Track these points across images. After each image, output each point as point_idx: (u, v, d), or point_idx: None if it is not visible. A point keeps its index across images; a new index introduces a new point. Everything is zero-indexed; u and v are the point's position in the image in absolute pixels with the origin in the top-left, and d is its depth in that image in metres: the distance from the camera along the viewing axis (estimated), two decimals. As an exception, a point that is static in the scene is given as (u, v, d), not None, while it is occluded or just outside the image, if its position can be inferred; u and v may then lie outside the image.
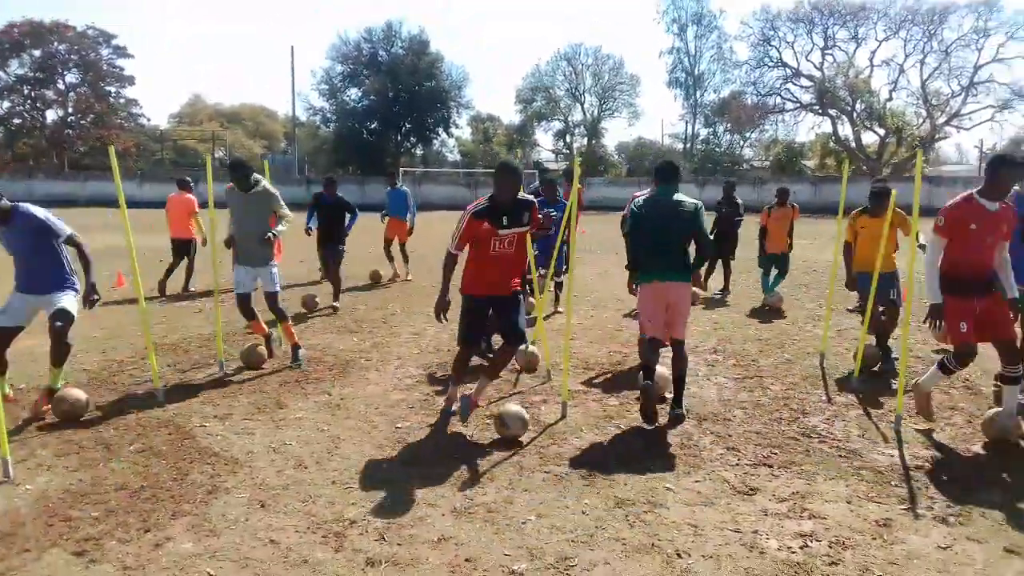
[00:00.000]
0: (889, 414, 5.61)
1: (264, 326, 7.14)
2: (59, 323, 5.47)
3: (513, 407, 5.20)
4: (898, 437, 5.18)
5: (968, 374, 6.81)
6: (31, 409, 5.52)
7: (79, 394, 5.52)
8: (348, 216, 10.24)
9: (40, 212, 5.56)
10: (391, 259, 12.81)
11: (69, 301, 5.59)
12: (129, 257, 5.70)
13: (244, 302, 6.89)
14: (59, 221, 5.62)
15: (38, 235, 5.49)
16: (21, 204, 5.55)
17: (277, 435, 5.15)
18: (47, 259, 5.56)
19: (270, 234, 6.67)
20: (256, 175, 6.86)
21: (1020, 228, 6.02)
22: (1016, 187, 6.40)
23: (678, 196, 5.53)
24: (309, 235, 10.34)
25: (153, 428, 5.24)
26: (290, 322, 7.13)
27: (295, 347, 7.01)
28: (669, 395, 5.69)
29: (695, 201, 5.52)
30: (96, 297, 5.61)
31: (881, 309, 6.82)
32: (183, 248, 11.23)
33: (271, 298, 6.91)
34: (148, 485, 4.28)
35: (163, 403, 5.76)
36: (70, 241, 5.64)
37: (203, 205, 8.54)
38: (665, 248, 5.45)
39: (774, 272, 10.78)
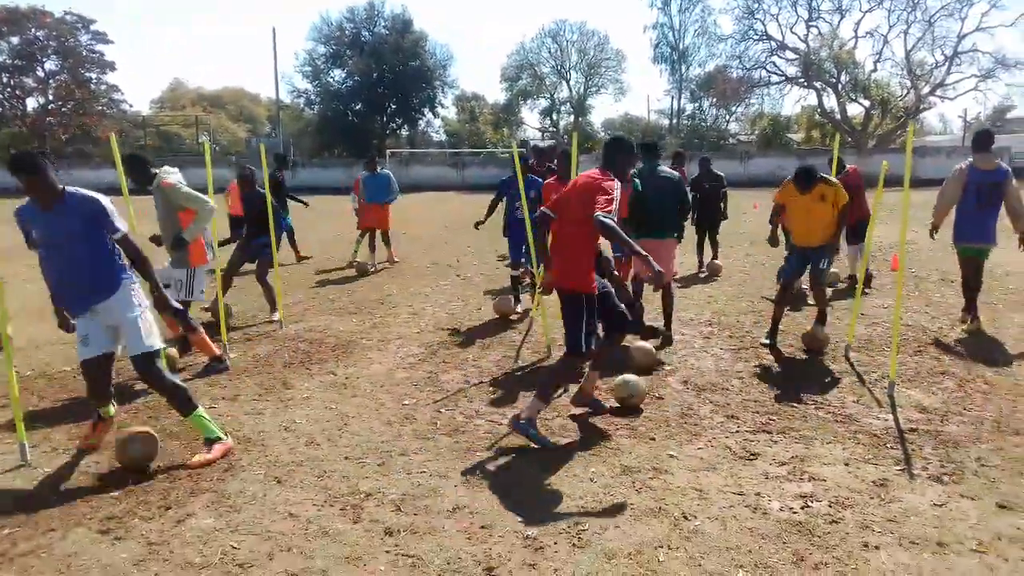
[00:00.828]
0: (883, 380, 5.76)
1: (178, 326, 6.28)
2: (143, 367, 4.50)
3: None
4: (892, 402, 5.33)
5: (958, 340, 6.99)
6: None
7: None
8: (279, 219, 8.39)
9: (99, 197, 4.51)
10: (373, 249, 12.14)
11: (139, 325, 4.45)
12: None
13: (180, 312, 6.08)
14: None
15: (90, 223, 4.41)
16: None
17: (286, 414, 5.25)
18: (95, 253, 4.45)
19: (181, 237, 6.13)
20: (155, 168, 6.22)
21: (975, 194, 7.08)
22: (970, 158, 7.21)
23: (662, 169, 7.04)
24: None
25: (163, 410, 5.31)
26: (201, 333, 6.24)
27: (212, 359, 6.29)
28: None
29: (675, 173, 7.22)
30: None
31: (806, 287, 6.87)
32: (238, 223, 11.88)
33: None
34: (164, 465, 4.37)
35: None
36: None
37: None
38: (656, 212, 6.80)
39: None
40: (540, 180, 7.94)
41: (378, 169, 12.28)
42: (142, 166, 6.19)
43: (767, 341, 6.89)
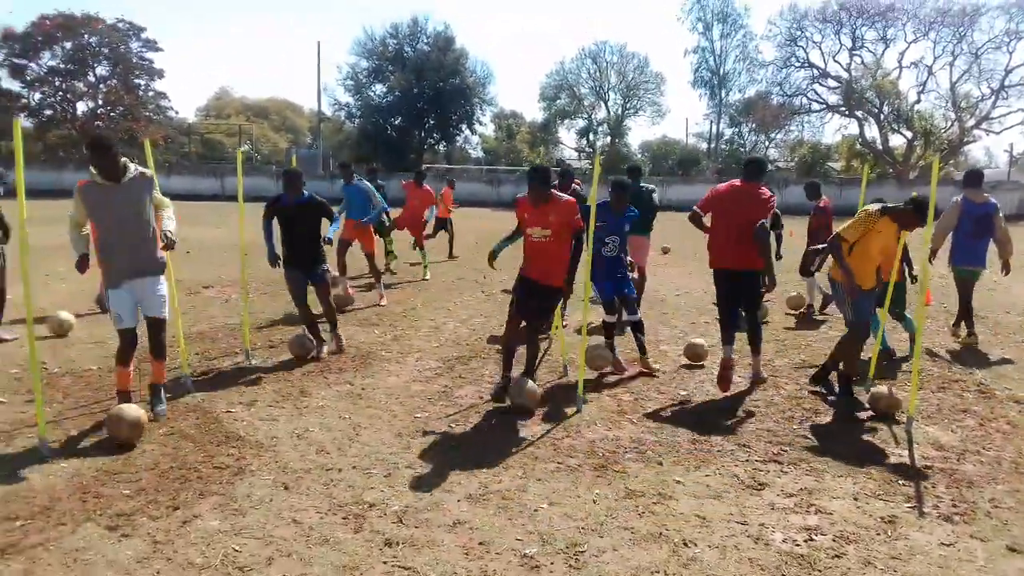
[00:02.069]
0: (901, 415, 5.66)
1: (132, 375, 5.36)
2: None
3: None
4: (909, 438, 5.25)
5: (983, 377, 6.85)
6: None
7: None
8: (328, 223, 7.30)
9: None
10: (342, 269, 10.23)
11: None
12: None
13: (133, 341, 5.24)
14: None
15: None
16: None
17: (300, 421, 5.32)
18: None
19: (169, 236, 5.19)
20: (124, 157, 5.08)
21: (968, 223, 7.98)
22: (962, 193, 8.04)
23: (644, 185, 9.17)
24: (276, 267, 7.12)
25: (181, 413, 5.43)
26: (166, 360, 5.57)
27: (156, 387, 5.44)
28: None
29: (652, 187, 9.32)
30: None
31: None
32: (442, 224, 15.19)
33: (159, 327, 5.29)
34: (177, 466, 4.46)
35: (191, 389, 5.95)
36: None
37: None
38: (640, 217, 8.25)
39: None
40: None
41: (354, 180, 10.08)
42: (116, 150, 4.98)
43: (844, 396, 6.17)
